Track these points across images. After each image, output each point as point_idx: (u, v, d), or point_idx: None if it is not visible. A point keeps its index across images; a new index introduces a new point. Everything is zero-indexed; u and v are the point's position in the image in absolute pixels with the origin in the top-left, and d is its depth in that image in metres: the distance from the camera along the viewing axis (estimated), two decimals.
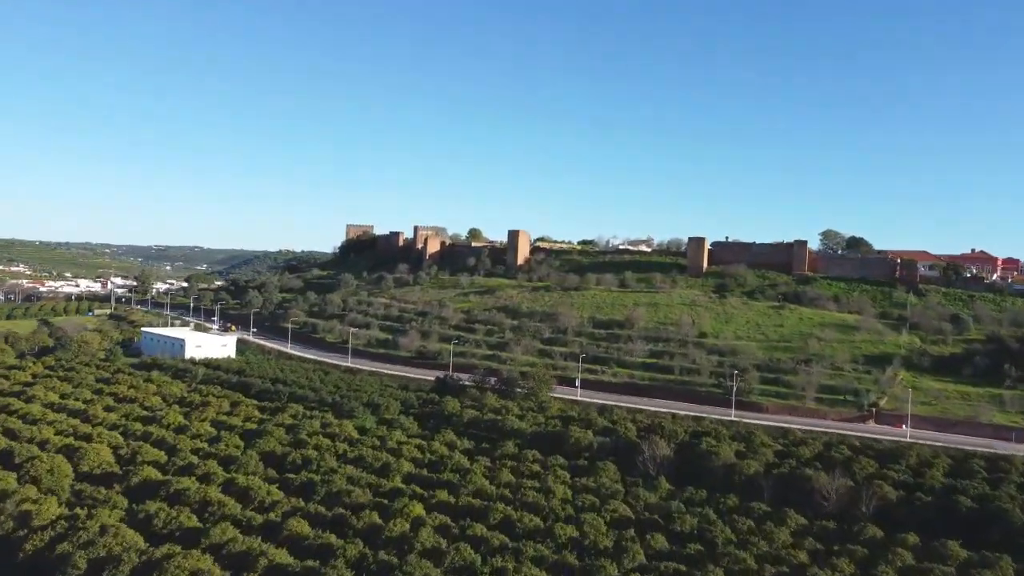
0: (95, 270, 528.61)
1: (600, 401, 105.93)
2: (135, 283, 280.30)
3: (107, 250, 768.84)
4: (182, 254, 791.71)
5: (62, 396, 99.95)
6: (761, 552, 54.27)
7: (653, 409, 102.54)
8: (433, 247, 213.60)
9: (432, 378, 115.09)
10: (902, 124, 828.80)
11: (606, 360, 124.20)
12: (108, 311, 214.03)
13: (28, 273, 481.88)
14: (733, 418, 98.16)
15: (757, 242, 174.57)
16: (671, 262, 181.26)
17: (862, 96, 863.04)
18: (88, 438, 79.06)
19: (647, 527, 59.40)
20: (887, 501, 65.05)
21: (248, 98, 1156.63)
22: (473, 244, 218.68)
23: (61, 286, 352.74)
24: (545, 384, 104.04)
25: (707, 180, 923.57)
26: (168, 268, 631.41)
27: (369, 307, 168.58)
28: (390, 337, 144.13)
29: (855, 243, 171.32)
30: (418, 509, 60.05)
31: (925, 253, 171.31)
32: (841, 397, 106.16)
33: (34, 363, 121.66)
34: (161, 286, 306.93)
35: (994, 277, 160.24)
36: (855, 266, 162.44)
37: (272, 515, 59.91)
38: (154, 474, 68.07)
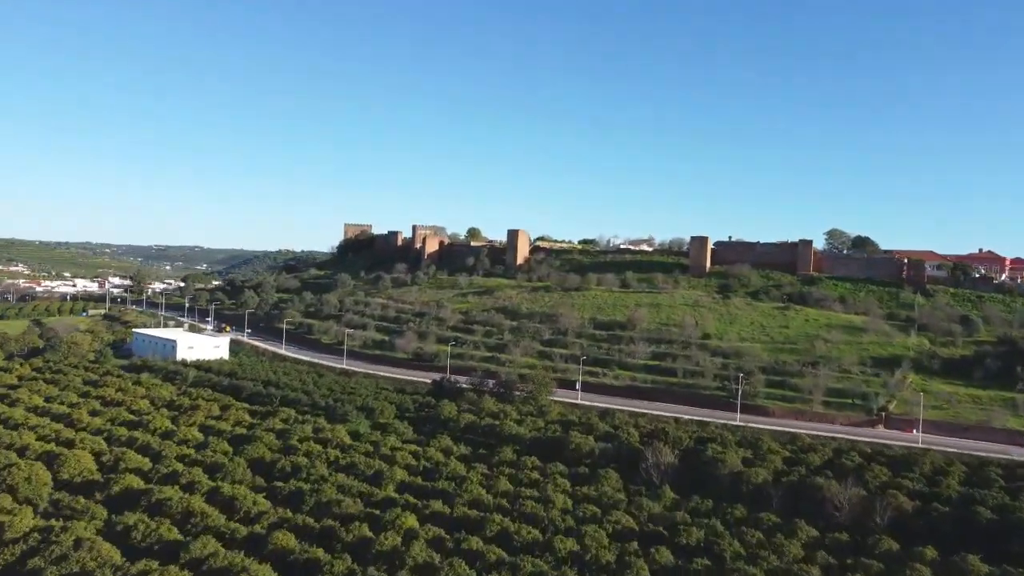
0: (94, 270, 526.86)
1: (601, 405, 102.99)
2: (130, 283, 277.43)
3: (107, 250, 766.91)
4: (182, 254, 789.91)
5: (47, 399, 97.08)
6: (772, 567, 51.37)
7: (656, 413, 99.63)
8: (431, 247, 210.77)
9: (429, 381, 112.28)
10: (904, 124, 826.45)
11: (607, 362, 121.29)
12: (102, 311, 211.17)
13: (27, 273, 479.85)
14: (738, 422, 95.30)
15: (761, 242, 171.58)
16: (673, 262, 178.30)
17: (862, 96, 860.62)
18: (70, 444, 76.21)
19: (651, 540, 56.52)
20: (902, 512, 62.13)
21: (248, 98, 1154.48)
22: (472, 244, 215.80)
23: (57, 286, 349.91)
24: (545, 387, 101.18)
25: (708, 180, 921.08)
26: (168, 268, 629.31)
27: (366, 307, 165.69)
28: (386, 338, 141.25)
29: (861, 243, 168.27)
30: (411, 520, 57.21)
31: (931, 253, 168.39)
32: (849, 401, 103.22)
33: (21, 365, 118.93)
34: (157, 286, 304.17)
35: (1003, 277, 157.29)
36: (861, 266, 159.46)
37: (258, 527, 57.13)
38: (136, 483, 65.19)
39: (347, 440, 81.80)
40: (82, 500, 61.45)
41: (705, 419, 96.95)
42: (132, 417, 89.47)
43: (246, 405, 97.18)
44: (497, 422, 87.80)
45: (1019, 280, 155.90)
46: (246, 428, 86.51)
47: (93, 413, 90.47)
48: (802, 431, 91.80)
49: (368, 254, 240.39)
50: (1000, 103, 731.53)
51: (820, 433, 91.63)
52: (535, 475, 71.96)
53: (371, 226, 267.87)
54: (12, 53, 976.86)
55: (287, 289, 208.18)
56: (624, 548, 53.28)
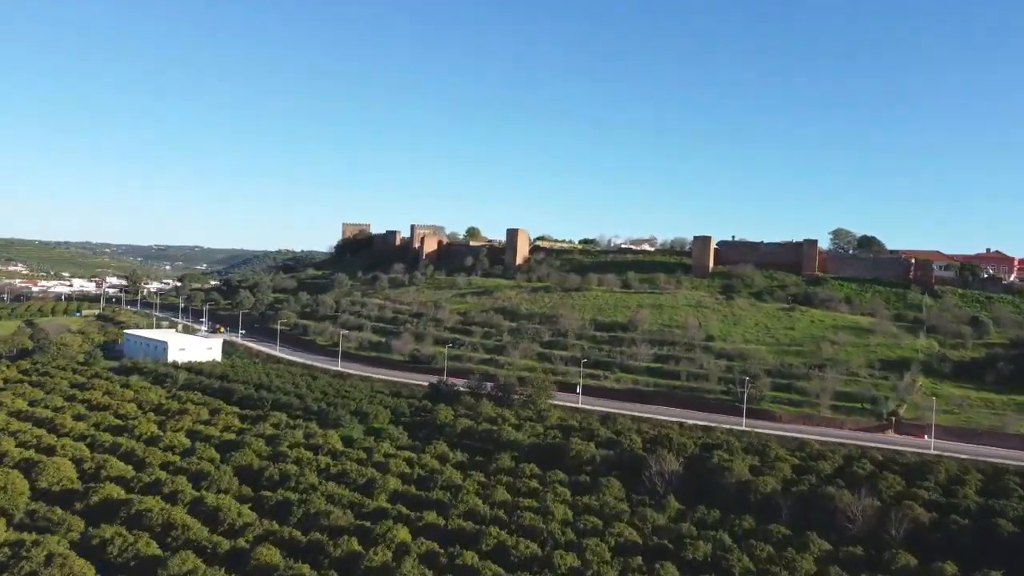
0: (93, 270, 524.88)
1: (602, 409, 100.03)
2: (125, 283, 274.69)
3: (107, 249, 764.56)
4: (182, 254, 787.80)
5: (31, 403, 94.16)
6: None
7: (659, 418, 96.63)
8: (430, 246, 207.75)
9: (425, 383, 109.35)
10: (906, 123, 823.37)
11: (608, 365, 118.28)
12: (96, 312, 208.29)
13: (25, 272, 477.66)
14: (744, 427, 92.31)
15: (765, 241, 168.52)
16: (675, 262, 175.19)
17: (863, 96, 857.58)
18: (51, 451, 73.39)
19: (656, 554, 53.66)
20: (918, 524, 59.25)
21: (248, 98, 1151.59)
22: (471, 243, 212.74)
23: (54, 286, 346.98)
24: (544, 391, 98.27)
25: (709, 180, 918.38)
26: (168, 268, 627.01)
27: (362, 308, 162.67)
28: (383, 340, 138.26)
29: (867, 242, 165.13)
30: (403, 534, 54.37)
31: (938, 253, 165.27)
32: (858, 405, 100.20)
33: (8, 367, 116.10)
34: (153, 286, 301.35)
35: (1012, 278, 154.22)
36: (867, 266, 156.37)
37: (241, 540, 54.34)
38: (117, 492, 62.33)
39: (339, 446, 78.94)
40: (59, 511, 58.67)
41: (710, 424, 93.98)
42: (118, 422, 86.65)
43: (236, 409, 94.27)
44: (495, 427, 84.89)
45: None
46: (235, 433, 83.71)
47: (77, 417, 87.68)
48: (810, 436, 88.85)
49: (367, 254, 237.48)
50: (1001, 103, 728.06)
51: (829, 439, 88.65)
52: (534, 484, 69.08)
53: (369, 226, 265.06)
54: (12, 53, 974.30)
55: (284, 289, 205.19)
56: (627, 564, 50.54)
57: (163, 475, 66.94)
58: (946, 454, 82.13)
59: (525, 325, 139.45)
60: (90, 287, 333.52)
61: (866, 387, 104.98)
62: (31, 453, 71.55)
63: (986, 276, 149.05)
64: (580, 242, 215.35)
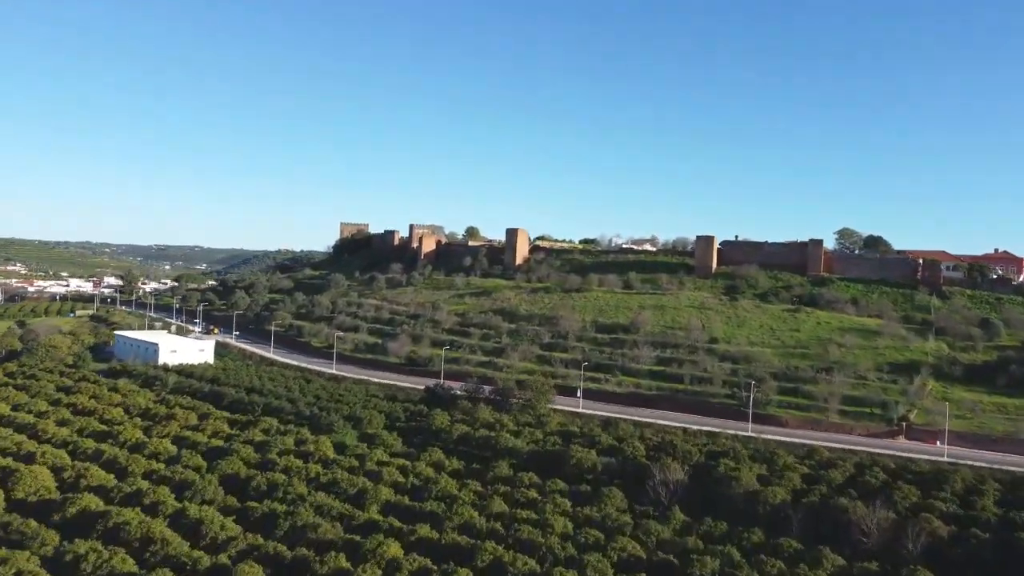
0: (92, 269, 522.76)
1: (604, 414, 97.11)
2: (115, 282, 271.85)
3: (107, 249, 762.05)
4: (182, 253, 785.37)
5: (14, 407, 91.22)
6: None
7: (662, 423, 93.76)
8: (428, 246, 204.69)
9: (422, 387, 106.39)
10: (909, 123, 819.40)
11: (610, 367, 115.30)
12: (90, 312, 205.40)
13: (24, 272, 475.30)
14: (750, 433, 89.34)
15: (769, 241, 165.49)
16: (678, 262, 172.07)
17: (864, 95, 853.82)
18: (31, 458, 70.44)
19: (661, 571, 50.87)
20: (936, 538, 56.35)
21: (248, 98, 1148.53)
22: (470, 243, 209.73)
23: (50, 286, 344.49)
24: (544, 395, 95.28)
25: (710, 179, 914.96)
26: (167, 267, 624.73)
27: (359, 309, 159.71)
28: (379, 341, 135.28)
29: (873, 242, 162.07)
30: (394, 549, 51.44)
31: (944, 253, 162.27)
32: (867, 410, 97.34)
33: None
34: (150, 286, 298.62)
35: (1021, 278, 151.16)
36: (873, 267, 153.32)
37: (223, 556, 51.40)
38: (95, 503, 59.36)
39: (330, 454, 76.01)
40: (33, 524, 55.75)
41: (714, 429, 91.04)
42: (103, 427, 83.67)
43: (226, 414, 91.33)
44: (492, 433, 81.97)
45: None
46: (223, 440, 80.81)
47: (61, 423, 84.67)
48: (819, 443, 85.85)
49: (365, 254, 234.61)
50: (1003, 102, 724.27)
51: (838, 445, 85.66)
52: (533, 494, 66.18)
53: (368, 225, 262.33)
54: (12, 53, 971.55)
55: (280, 290, 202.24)
56: None
57: (145, 485, 63.93)
58: (961, 462, 79.23)
59: (524, 327, 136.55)
60: (87, 287, 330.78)
61: (875, 391, 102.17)
62: (8, 461, 68.58)
63: (995, 277, 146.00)
64: (581, 242, 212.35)
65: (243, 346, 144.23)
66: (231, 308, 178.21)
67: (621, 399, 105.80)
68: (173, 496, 61.89)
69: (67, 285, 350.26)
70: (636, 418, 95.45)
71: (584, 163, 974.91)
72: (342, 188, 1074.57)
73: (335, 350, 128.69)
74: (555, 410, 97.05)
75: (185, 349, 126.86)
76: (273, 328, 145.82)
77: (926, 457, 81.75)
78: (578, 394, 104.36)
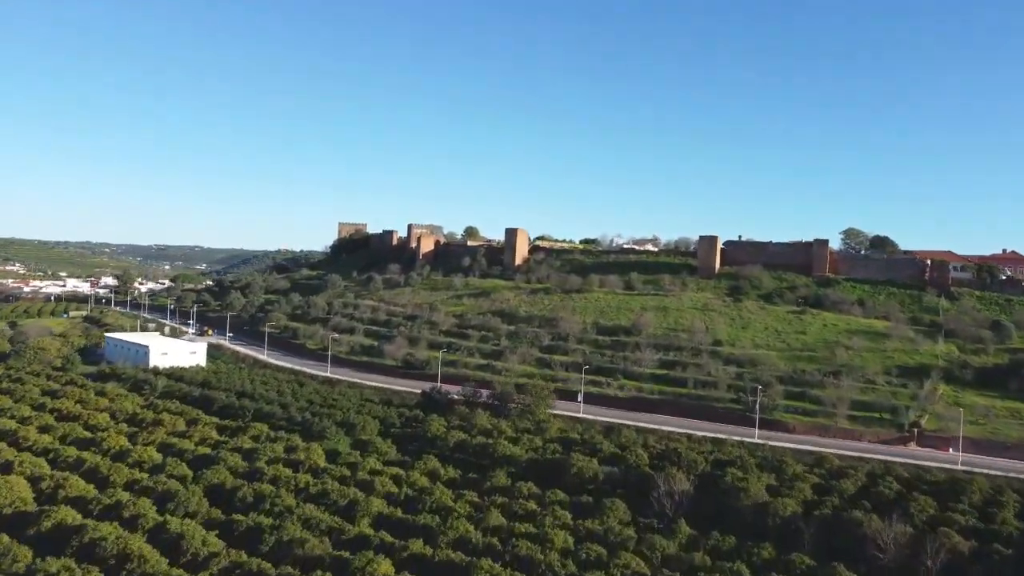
0: (91, 269, 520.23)
1: (605, 419, 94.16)
2: (113, 283, 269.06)
3: (106, 249, 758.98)
4: (182, 254, 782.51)
5: None
6: None
7: (666, 429, 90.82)
8: (427, 246, 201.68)
9: (418, 391, 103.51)
10: (912, 123, 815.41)
11: (611, 371, 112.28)
12: (84, 313, 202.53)
13: (22, 272, 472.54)
14: (757, 440, 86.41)
15: (773, 241, 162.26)
16: (680, 263, 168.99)
17: (864, 95, 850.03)
18: (8, 467, 67.63)
19: None
20: (956, 553, 53.51)
21: (248, 98, 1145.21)
22: (469, 243, 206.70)
23: (46, 286, 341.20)
24: (543, 400, 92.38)
25: (711, 179, 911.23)
26: (167, 267, 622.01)
27: (355, 310, 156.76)
28: (375, 344, 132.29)
29: (880, 242, 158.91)
30: (385, 567, 48.70)
31: (951, 254, 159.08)
32: (877, 415, 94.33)
33: None
34: (147, 286, 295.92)
35: None
36: (880, 267, 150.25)
37: (204, 574, 48.67)
38: (72, 517, 56.49)
39: (321, 462, 73.10)
40: (6, 539, 52.88)
41: (720, 436, 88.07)
42: (87, 434, 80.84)
43: (215, 420, 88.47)
44: (490, 441, 79.08)
45: None
46: (211, 447, 77.93)
47: (43, 429, 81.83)
48: (828, 450, 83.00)
49: (363, 254, 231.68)
50: (1004, 102, 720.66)
51: (848, 453, 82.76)
52: (532, 505, 63.26)
53: (366, 225, 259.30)
54: (12, 53, 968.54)
55: (276, 290, 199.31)
56: None
57: (125, 497, 61.02)
58: (976, 470, 76.27)
59: (524, 328, 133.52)
60: (84, 287, 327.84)
61: (884, 396, 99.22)
62: None
63: (1004, 278, 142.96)
64: (581, 242, 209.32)
65: (237, 348, 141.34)
66: (226, 309, 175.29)
67: (623, 403, 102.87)
68: (155, 508, 59.09)
69: (63, 285, 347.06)
70: (639, 424, 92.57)
71: (584, 163, 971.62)
72: (342, 188, 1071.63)
73: (329, 353, 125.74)
74: (555, 415, 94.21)
75: (176, 351, 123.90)
76: (267, 330, 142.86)
77: (940, 465, 78.83)
78: (579, 399, 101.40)
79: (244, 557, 50.92)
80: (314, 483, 66.12)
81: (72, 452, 73.32)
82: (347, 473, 69.92)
